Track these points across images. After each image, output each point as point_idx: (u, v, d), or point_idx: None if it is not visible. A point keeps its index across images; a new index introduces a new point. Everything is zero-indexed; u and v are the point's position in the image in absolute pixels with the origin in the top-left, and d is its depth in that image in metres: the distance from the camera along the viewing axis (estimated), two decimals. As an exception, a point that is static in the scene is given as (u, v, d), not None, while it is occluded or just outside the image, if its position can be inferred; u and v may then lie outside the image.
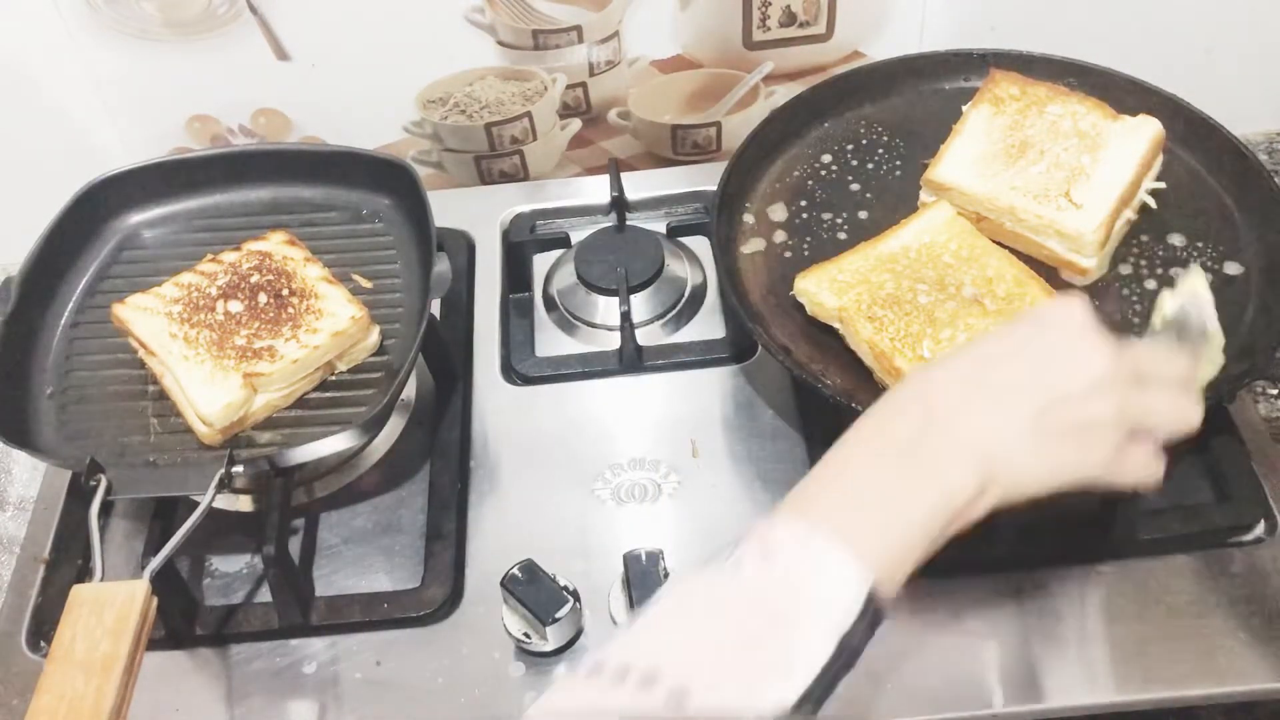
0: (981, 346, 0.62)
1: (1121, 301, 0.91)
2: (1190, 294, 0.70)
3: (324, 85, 1.13)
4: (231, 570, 0.90)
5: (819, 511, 0.56)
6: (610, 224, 1.10)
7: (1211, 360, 0.70)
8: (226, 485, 0.82)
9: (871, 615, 0.54)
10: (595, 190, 1.15)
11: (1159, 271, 0.93)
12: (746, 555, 0.54)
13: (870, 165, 1.03)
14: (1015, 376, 0.60)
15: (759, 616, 0.53)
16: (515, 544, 0.87)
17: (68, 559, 0.91)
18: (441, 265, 0.91)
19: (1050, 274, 0.92)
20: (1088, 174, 0.94)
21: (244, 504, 0.94)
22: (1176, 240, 0.95)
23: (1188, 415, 0.63)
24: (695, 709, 0.49)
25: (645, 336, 1.02)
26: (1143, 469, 0.62)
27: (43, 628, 0.87)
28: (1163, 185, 0.97)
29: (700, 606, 0.54)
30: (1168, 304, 0.70)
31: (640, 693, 0.50)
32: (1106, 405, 0.59)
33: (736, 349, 1.00)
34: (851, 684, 0.78)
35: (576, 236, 1.10)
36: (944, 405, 0.59)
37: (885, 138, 1.05)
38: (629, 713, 0.50)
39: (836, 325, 0.89)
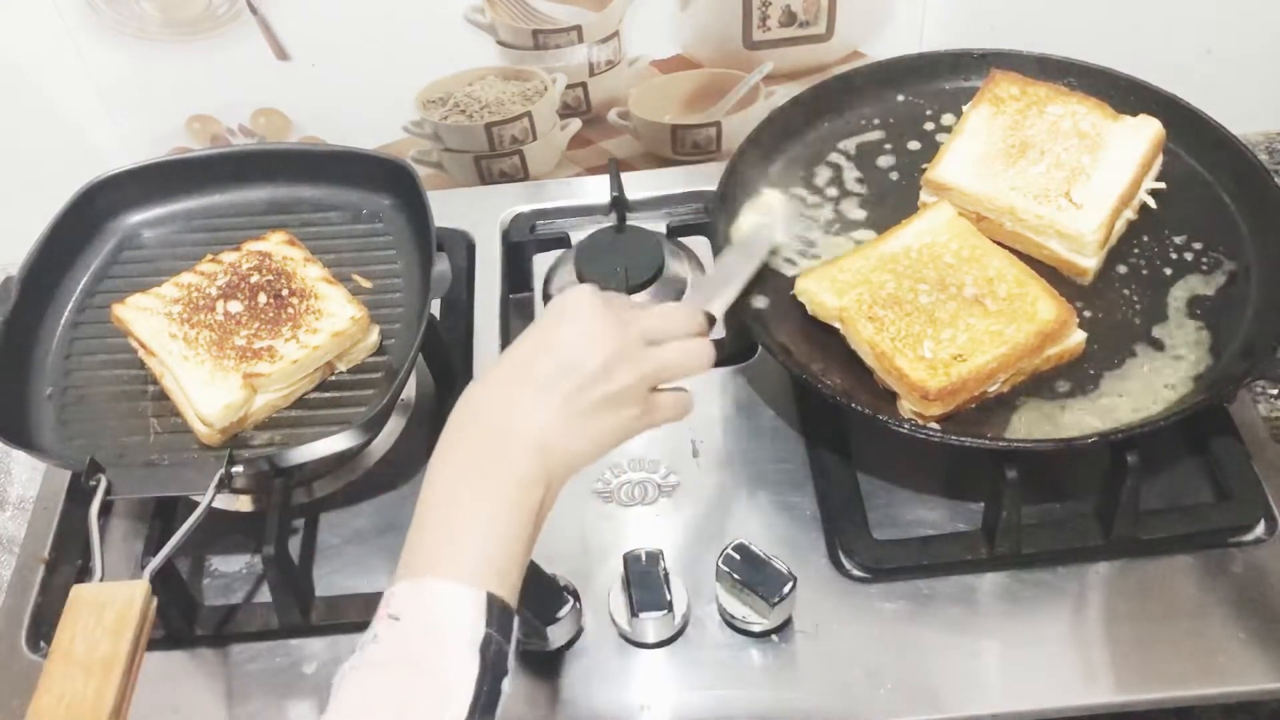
0: (516, 349, 0.69)
1: (1122, 301, 0.91)
2: (766, 209, 0.84)
3: (324, 85, 1.13)
4: (231, 570, 0.90)
5: (421, 563, 0.61)
6: (610, 224, 1.10)
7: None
8: (226, 485, 0.82)
9: (499, 615, 0.60)
10: (595, 190, 1.15)
11: (1159, 271, 0.93)
12: (379, 628, 0.59)
13: (870, 165, 1.03)
14: (545, 369, 0.67)
15: (404, 673, 0.57)
16: (515, 544, 0.87)
17: (68, 559, 0.91)
18: (441, 265, 0.91)
19: (1051, 274, 0.92)
20: (1088, 174, 0.94)
21: (244, 504, 0.94)
22: (1176, 240, 0.95)
23: (699, 359, 0.73)
24: None
25: (645, 336, 1.02)
26: (673, 409, 0.73)
27: (43, 628, 0.87)
28: (1163, 185, 0.97)
29: (359, 694, 0.58)
30: (745, 221, 0.85)
31: None
32: (623, 376, 0.68)
33: (736, 349, 1.00)
34: (852, 684, 0.79)
35: (576, 236, 1.10)
36: (494, 414, 0.66)
37: (885, 138, 1.05)
38: None
39: (837, 325, 0.89)
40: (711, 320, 0.79)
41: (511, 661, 0.60)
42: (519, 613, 0.62)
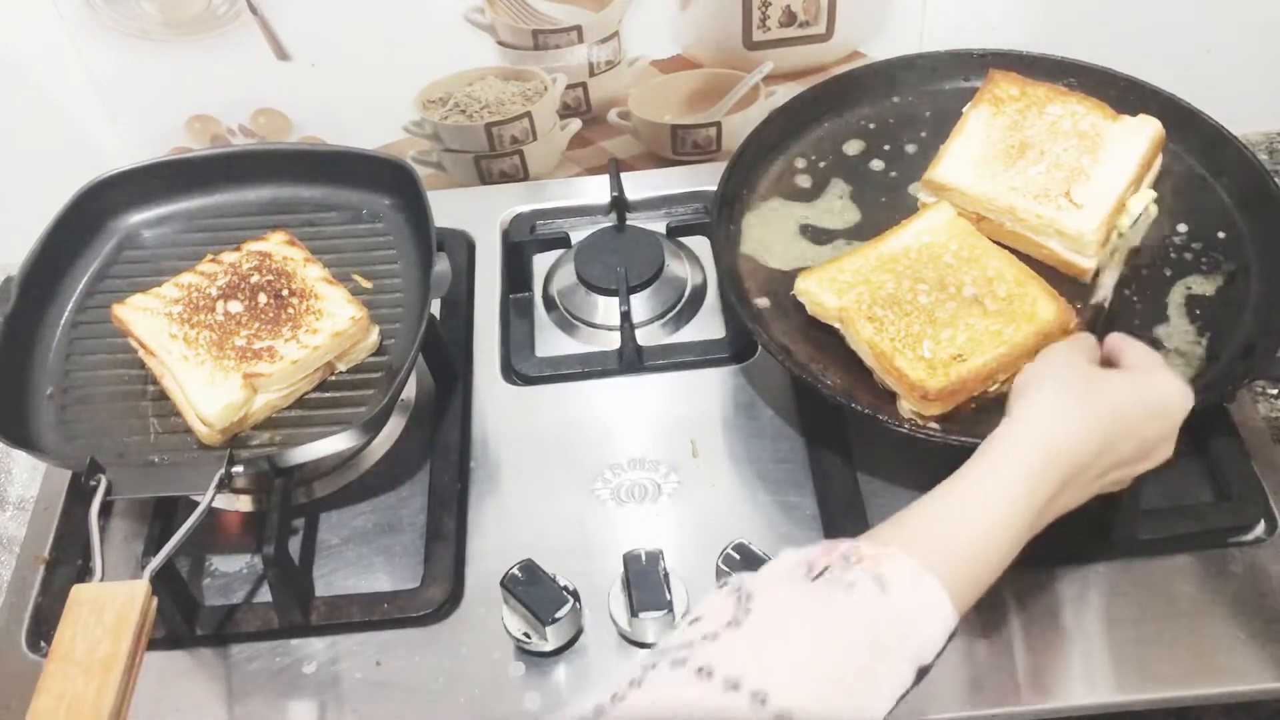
0: (1111, 419, 0.67)
1: (1121, 301, 0.91)
2: None
3: (324, 85, 1.13)
4: (231, 570, 0.90)
5: (934, 554, 0.60)
6: (610, 224, 1.10)
7: None
8: (226, 485, 0.82)
9: (944, 652, 0.60)
10: (595, 190, 1.15)
11: (1159, 271, 0.93)
12: (859, 580, 0.58)
13: (870, 166, 1.03)
14: (1120, 458, 0.68)
15: (865, 645, 0.56)
16: (515, 544, 0.87)
17: (68, 559, 0.91)
18: (441, 265, 0.91)
19: (1051, 274, 0.92)
20: (1088, 174, 0.94)
21: (244, 504, 0.94)
22: (1176, 240, 0.95)
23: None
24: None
25: (645, 336, 1.02)
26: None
27: (43, 628, 0.87)
28: (1154, 193, 0.97)
29: (811, 625, 0.57)
30: None
31: (750, 710, 0.53)
32: (1125, 474, 0.70)
33: (736, 349, 1.00)
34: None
35: (576, 236, 1.10)
36: (1063, 479, 0.65)
37: (885, 138, 1.05)
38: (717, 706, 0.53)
39: (837, 325, 0.89)
40: None
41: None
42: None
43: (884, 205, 1.00)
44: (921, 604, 0.58)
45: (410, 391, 1.00)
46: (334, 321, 0.91)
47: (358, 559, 0.90)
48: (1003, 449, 0.65)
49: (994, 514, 0.63)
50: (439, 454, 0.94)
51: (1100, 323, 0.89)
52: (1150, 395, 0.70)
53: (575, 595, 0.81)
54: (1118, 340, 0.76)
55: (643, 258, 1.06)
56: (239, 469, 0.83)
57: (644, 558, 0.81)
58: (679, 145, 1.23)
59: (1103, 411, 0.67)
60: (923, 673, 0.59)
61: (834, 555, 0.60)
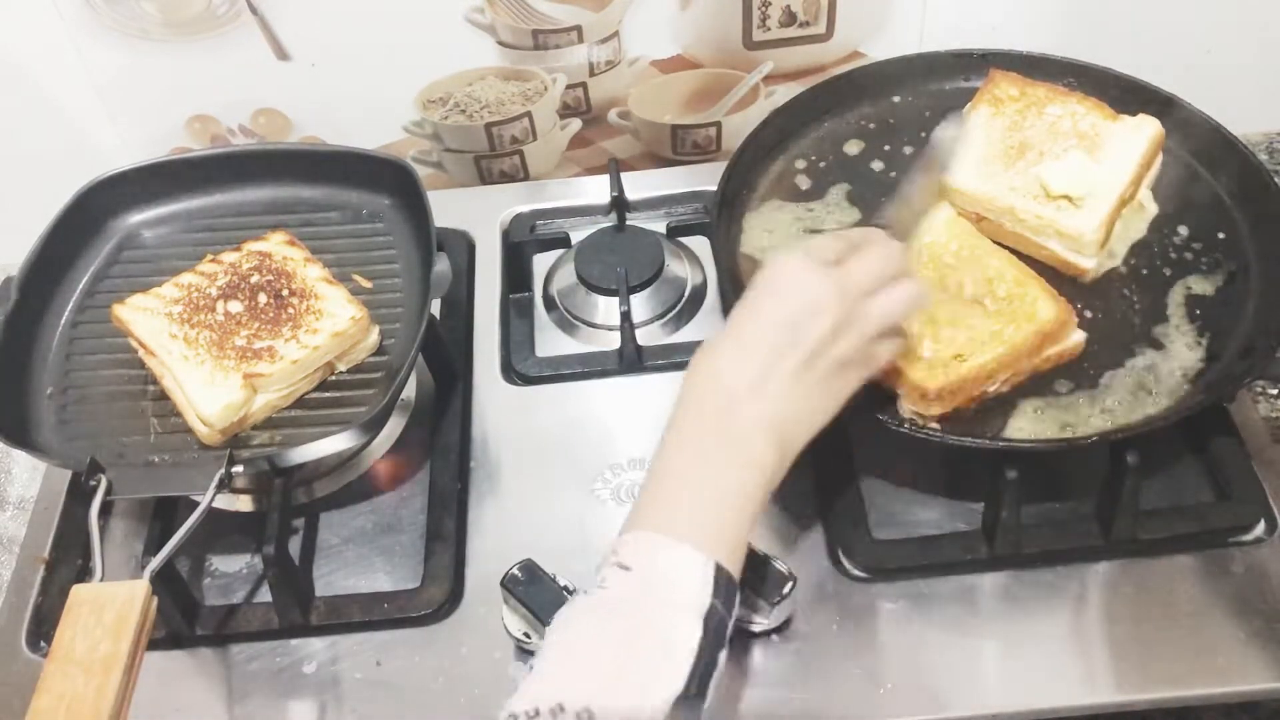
0: (739, 325, 0.69)
1: (1121, 301, 0.91)
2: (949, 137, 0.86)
3: (324, 85, 1.13)
4: (231, 570, 0.90)
5: (656, 521, 0.63)
6: (610, 224, 1.10)
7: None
8: (226, 485, 0.82)
9: (724, 588, 0.61)
10: (595, 190, 1.15)
11: (1159, 271, 0.93)
12: (609, 576, 0.61)
13: (870, 165, 1.03)
14: (770, 343, 0.67)
15: (631, 623, 0.60)
16: (515, 544, 0.87)
17: (68, 559, 0.91)
18: (441, 265, 0.91)
19: (1051, 274, 0.92)
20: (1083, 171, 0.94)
21: (244, 504, 0.94)
22: (1176, 240, 0.95)
23: (915, 302, 0.73)
24: None
25: (645, 336, 1.02)
26: (891, 352, 0.74)
27: (43, 628, 0.87)
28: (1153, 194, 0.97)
29: (583, 632, 0.61)
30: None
31: None
32: (850, 339, 0.69)
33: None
34: (852, 684, 0.79)
35: (576, 236, 1.10)
36: (725, 395, 0.67)
37: (885, 138, 1.05)
38: None
39: (836, 325, 0.89)
40: None
41: (729, 635, 0.62)
42: (734, 583, 0.63)
43: (884, 205, 0.99)
44: (667, 563, 0.61)
45: (410, 391, 1.00)
46: (334, 321, 0.91)
47: (358, 559, 0.90)
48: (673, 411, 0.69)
49: (685, 458, 0.66)
50: (439, 454, 0.94)
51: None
52: (752, 289, 0.71)
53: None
54: None
55: (643, 258, 1.06)
56: (239, 469, 0.83)
57: (644, 558, 0.81)
58: (679, 145, 1.23)
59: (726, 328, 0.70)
60: (715, 618, 0.60)
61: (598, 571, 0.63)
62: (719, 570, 0.61)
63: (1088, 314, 0.90)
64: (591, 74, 1.16)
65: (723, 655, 0.61)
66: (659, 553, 0.61)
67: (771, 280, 0.70)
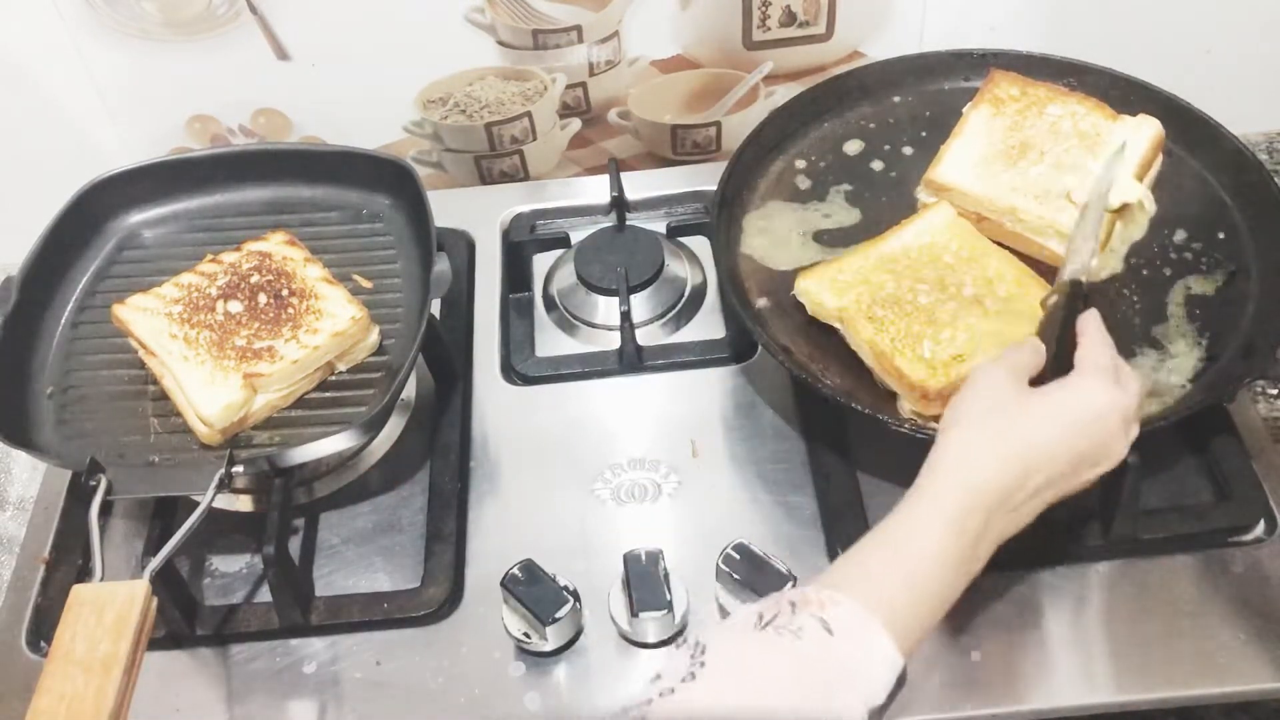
0: (1021, 431, 0.68)
1: (1121, 301, 0.91)
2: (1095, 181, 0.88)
3: (324, 85, 1.13)
4: (231, 570, 0.90)
5: (873, 599, 0.62)
6: (610, 224, 1.10)
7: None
8: (226, 485, 0.82)
9: (896, 690, 0.61)
10: (595, 190, 1.15)
11: (1159, 271, 0.93)
12: (807, 625, 0.60)
13: (870, 165, 1.03)
14: (1050, 478, 0.68)
15: (818, 685, 0.58)
16: (515, 544, 0.87)
17: (68, 559, 0.91)
18: (441, 265, 0.91)
19: (1051, 274, 0.92)
20: (1088, 174, 0.94)
21: (244, 504, 0.94)
22: (1176, 240, 0.95)
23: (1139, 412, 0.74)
24: None
25: (645, 336, 1.02)
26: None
27: (43, 628, 0.87)
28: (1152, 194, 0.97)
29: (762, 670, 0.59)
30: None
31: None
32: (1108, 466, 0.71)
33: (736, 349, 1.00)
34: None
35: (576, 236, 1.10)
36: (985, 498, 0.66)
37: (885, 138, 1.05)
38: None
39: (837, 325, 0.89)
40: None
41: None
42: (904, 683, 0.62)
43: (884, 205, 1.00)
44: (869, 646, 0.60)
45: (410, 391, 1.00)
46: (334, 321, 0.91)
47: (358, 559, 0.90)
48: (921, 497, 0.67)
49: (926, 558, 0.64)
50: (439, 454, 0.94)
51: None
52: (1068, 413, 0.70)
53: (575, 595, 0.81)
54: (1081, 325, 0.76)
55: (643, 258, 1.06)
56: (239, 469, 0.83)
57: (644, 558, 0.81)
58: (679, 145, 1.23)
59: (1016, 445, 0.68)
60: (874, 716, 0.60)
61: (782, 603, 0.62)
62: (903, 674, 0.61)
63: (1088, 314, 0.90)
64: (591, 74, 1.16)
65: None
66: (867, 635, 0.60)
67: (1102, 407, 0.70)
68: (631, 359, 1.00)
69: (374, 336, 0.94)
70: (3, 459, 1.06)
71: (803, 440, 0.93)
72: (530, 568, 0.81)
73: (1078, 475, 0.70)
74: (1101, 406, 0.70)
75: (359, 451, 0.96)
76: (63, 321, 0.97)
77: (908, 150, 1.03)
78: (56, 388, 0.93)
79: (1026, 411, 0.69)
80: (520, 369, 1.01)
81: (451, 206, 1.10)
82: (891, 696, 0.61)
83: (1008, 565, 0.84)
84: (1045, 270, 0.92)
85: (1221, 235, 0.94)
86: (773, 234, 0.98)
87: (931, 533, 0.65)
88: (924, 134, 1.04)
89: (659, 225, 1.11)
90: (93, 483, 0.81)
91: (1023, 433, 0.68)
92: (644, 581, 0.80)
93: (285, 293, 0.94)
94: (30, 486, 1.02)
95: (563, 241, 1.11)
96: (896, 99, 1.07)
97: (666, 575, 0.81)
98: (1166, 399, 0.85)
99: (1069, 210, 0.92)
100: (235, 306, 0.93)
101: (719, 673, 0.59)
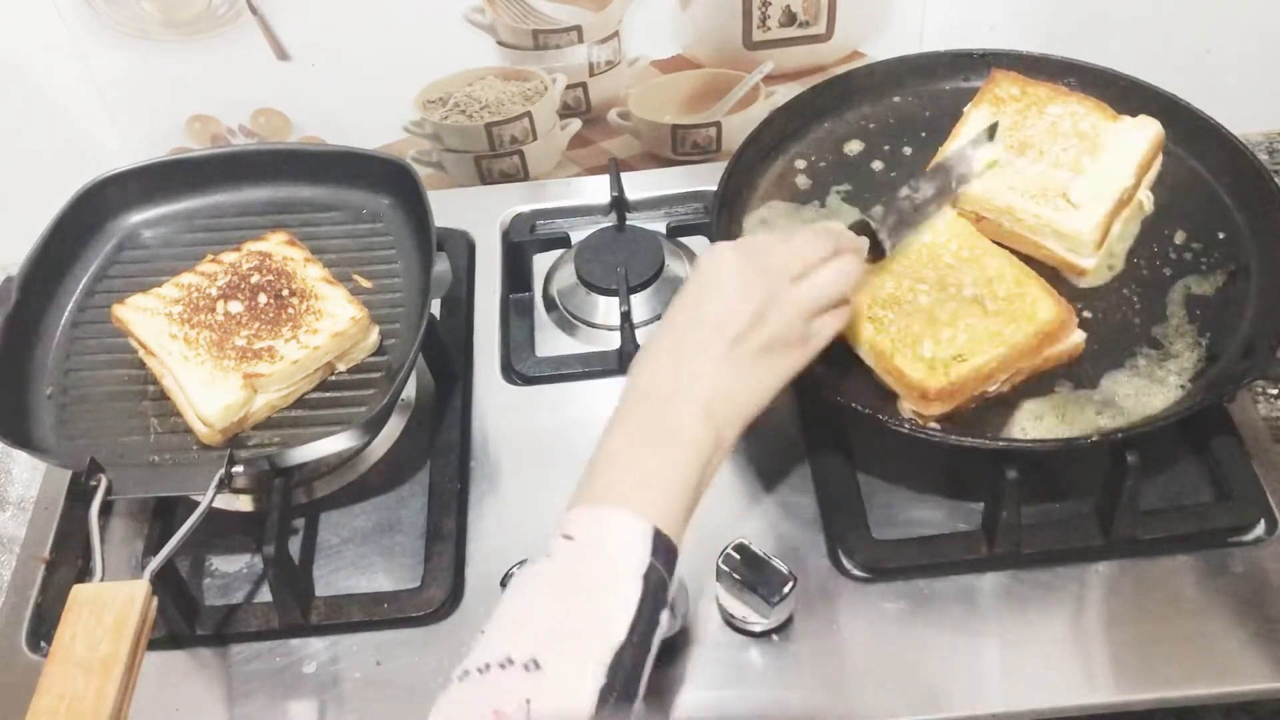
0: (671, 317, 0.73)
1: (1121, 301, 0.91)
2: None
3: (324, 85, 1.13)
4: (231, 570, 0.90)
5: (597, 494, 0.67)
6: (610, 224, 1.10)
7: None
8: (226, 485, 0.82)
9: (664, 551, 0.64)
10: (595, 190, 1.15)
11: (1159, 271, 0.93)
12: (555, 545, 0.64)
13: (870, 165, 1.03)
14: (700, 331, 0.71)
15: (575, 584, 0.63)
16: (515, 544, 0.86)
17: (68, 559, 0.91)
18: (441, 265, 0.91)
19: (1051, 274, 0.92)
20: (1088, 174, 0.94)
21: (244, 504, 0.94)
22: (1176, 240, 0.95)
23: (848, 276, 0.76)
24: (550, 673, 0.59)
25: (645, 336, 1.02)
26: (833, 328, 0.76)
27: (43, 628, 0.87)
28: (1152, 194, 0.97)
29: (530, 596, 0.64)
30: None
31: (509, 675, 0.59)
32: (776, 319, 0.71)
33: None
34: (852, 684, 0.79)
35: (576, 236, 1.10)
36: (662, 383, 0.70)
37: (885, 138, 1.05)
38: (498, 689, 0.59)
39: (836, 325, 0.89)
40: (866, 231, 0.82)
41: (671, 595, 0.64)
42: (674, 548, 0.65)
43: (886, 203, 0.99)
44: (608, 530, 0.64)
45: (410, 391, 1.00)
46: (334, 321, 0.91)
47: (358, 559, 0.90)
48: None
49: (624, 441, 0.69)
50: (439, 454, 0.94)
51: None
52: (689, 283, 0.74)
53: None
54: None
55: (643, 258, 1.06)
56: (239, 469, 0.83)
57: (644, 558, 0.81)
58: (679, 145, 1.23)
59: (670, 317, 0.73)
60: (655, 576, 0.62)
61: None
62: (658, 534, 0.64)
63: (1087, 314, 0.91)
64: (591, 74, 1.16)
65: (664, 616, 0.63)
66: (600, 522, 0.64)
67: (698, 272, 0.74)
68: (631, 359, 0.99)
69: (374, 337, 0.94)
70: (3, 459, 1.06)
71: (803, 440, 0.93)
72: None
73: (700, 308, 0.72)
74: (705, 254, 0.74)
75: (359, 451, 0.96)
76: (63, 321, 0.97)
77: (908, 150, 1.03)
78: (56, 388, 0.93)
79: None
80: (520, 369, 1.01)
81: (451, 206, 1.10)
82: (666, 561, 0.63)
83: (1008, 565, 0.84)
84: (1045, 270, 0.92)
85: (1221, 235, 0.94)
86: (773, 234, 0.98)
87: (620, 419, 0.70)
88: (924, 134, 1.04)
89: (659, 225, 1.11)
90: (93, 483, 0.81)
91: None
92: (644, 581, 0.80)
93: (285, 293, 0.94)
94: (30, 486, 1.02)
95: (563, 241, 1.11)
96: (896, 99, 1.07)
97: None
98: (1167, 399, 0.85)
99: (1067, 210, 0.92)
100: (235, 307, 0.93)
101: (496, 621, 0.63)
